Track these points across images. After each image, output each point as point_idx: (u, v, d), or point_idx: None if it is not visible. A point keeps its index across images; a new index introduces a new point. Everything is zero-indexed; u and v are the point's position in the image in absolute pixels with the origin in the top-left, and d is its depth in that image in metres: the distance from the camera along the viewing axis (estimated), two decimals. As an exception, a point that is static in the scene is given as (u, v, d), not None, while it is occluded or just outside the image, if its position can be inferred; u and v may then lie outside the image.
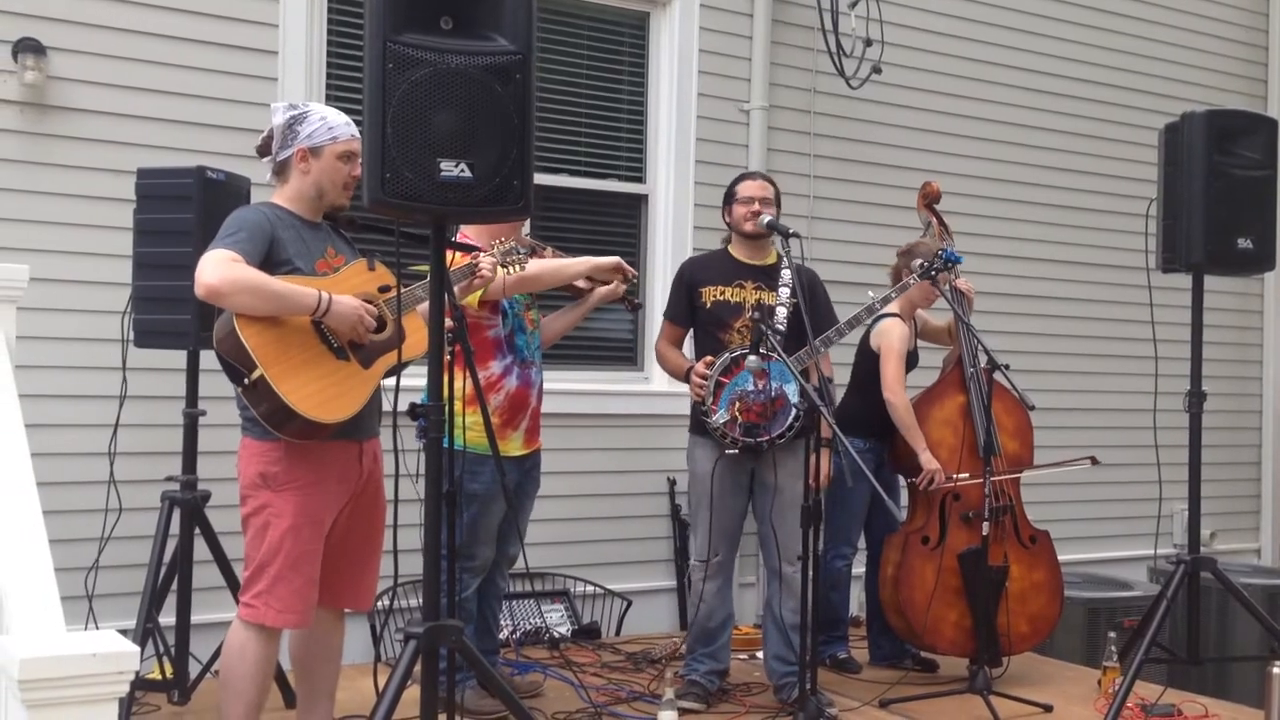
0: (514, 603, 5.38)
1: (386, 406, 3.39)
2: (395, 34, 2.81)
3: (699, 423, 4.49)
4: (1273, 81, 7.89)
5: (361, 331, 3.29)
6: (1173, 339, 4.88)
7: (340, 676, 3.69)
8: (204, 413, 4.19)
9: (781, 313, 4.53)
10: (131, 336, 4.08)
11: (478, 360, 4.09)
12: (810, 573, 4.01)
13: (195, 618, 4.19)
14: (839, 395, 5.06)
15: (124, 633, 2.28)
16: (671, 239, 5.97)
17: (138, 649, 2.10)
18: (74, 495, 4.33)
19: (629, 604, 5.75)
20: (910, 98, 6.59)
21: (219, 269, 3.11)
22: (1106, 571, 6.45)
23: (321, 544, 3.36)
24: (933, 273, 4.68)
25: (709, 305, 4.58)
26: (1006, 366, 4.51)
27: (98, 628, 4.03)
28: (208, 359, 3.73)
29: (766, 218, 4.53)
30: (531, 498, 4.50)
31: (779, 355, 4.16)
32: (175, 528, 4.12)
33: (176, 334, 4.00)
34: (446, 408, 3.06)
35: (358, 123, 3.20)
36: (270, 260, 3.22)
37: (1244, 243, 4.45)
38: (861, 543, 5.27)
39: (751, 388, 4.34)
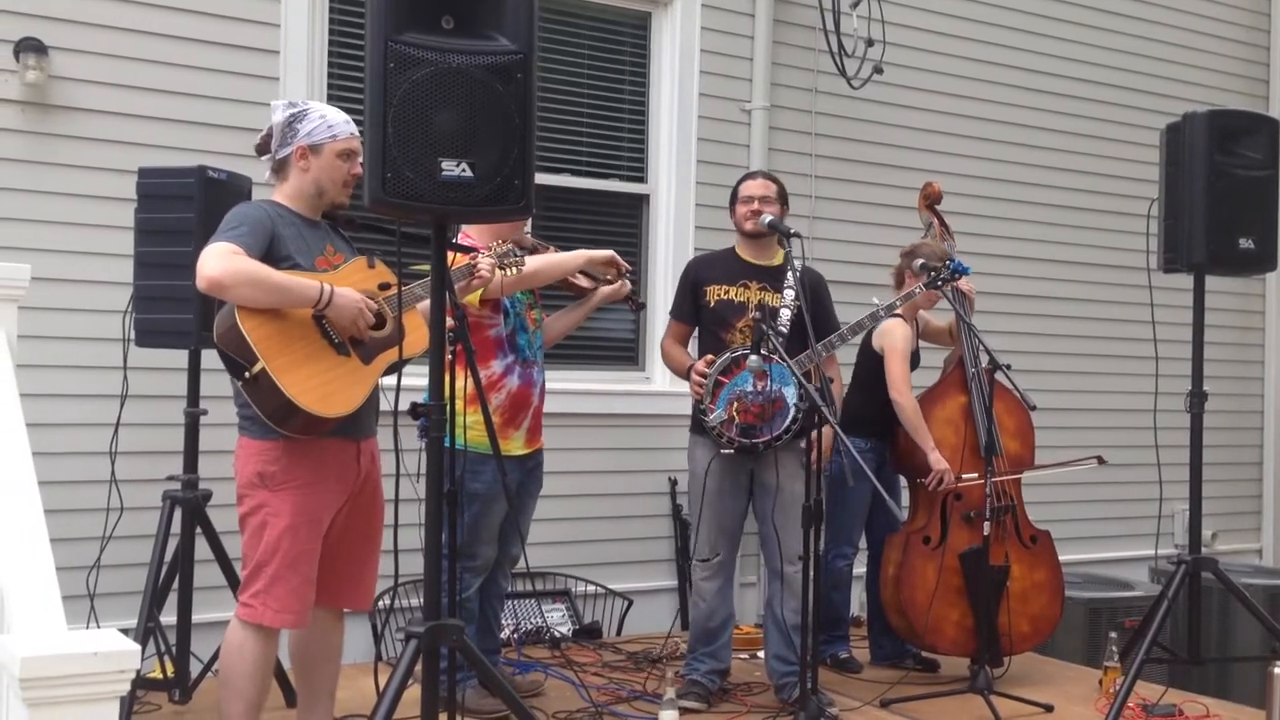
0: (515, 602, 5.38)
1: (384, 406, 3.39)
2: (396, 33, 2.82)
3: (699, 422, 4.50)
4: (1274, 81, 7.88)
5: (361, 325, 3.29)
6: (1174, 339, 4.88)
7: (341, 676, 3.69)
8: (205, 412, 4.19)
9: (785, 314, 4.53)
10: (133, 336, 4.08)
11: (479, 359, 4.09)
12: (811, 572, 4.01)
13: (196, 617, 4.20)
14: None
15: (125, 632, 2.28)
16: (673, 239, 5.97)
17: (139, 648, 2.10)
18: (75, 494, 4.33)
19: (630, 604, 5.75)
20: (912, 98, 6.59)
21: (221, 261, 3.11)
22: (1108, 571, 6.45)
23: (319, 543, 3.36)
24: (939, 282, 4.68)
25: (713, 304, 4.58)
26: (1008, 366, 4.51)
27: (99, 627, 4.03)
28: (209, 358, 3.73)
29: (767, 217, 4.52)
30: (534, 497, 4.50)
31: (780, 357, 4.16)
32: (176, 527, 4.13)
33: (178, 333, 4.00)
34: (448, 407, 3.06)
35: (359, 122, 3.20)
36: (270, 256, 3.22)
37: (1245, 243, 4.45)
38: (862, 542, 5.27)
39: (750, 388, 4.34)
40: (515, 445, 4.30)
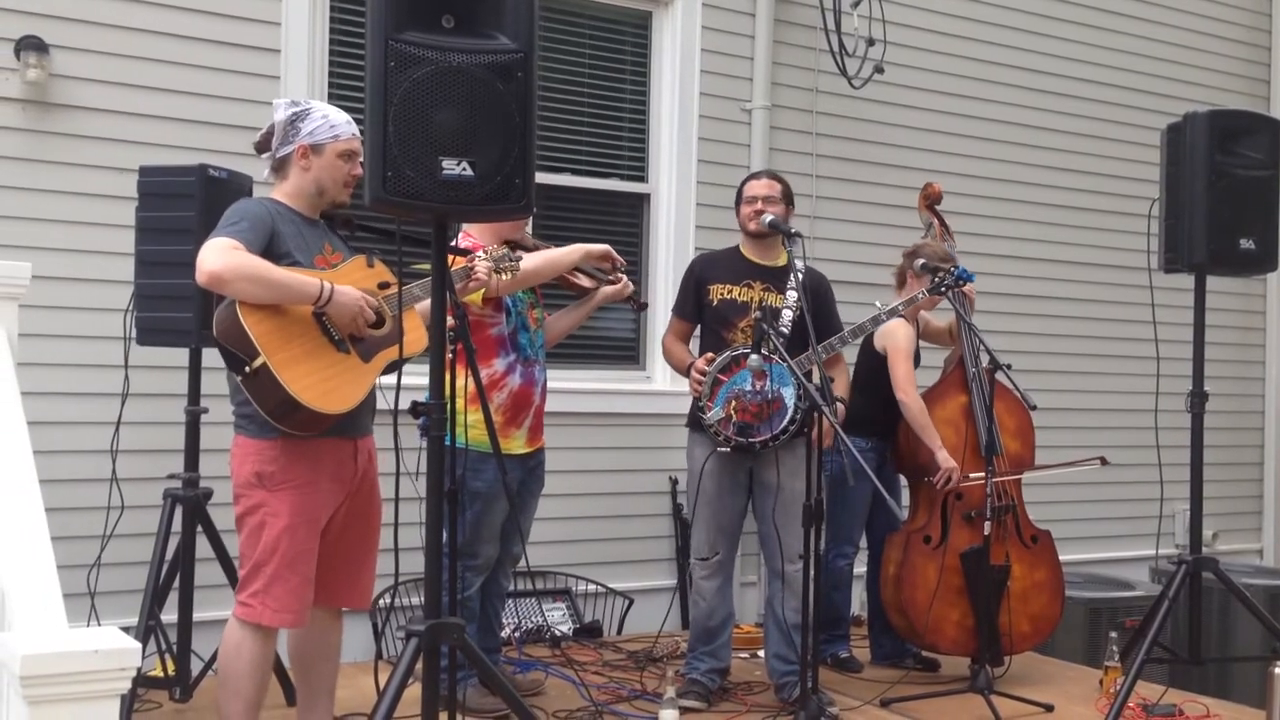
0: (516, 601, 5.38)
1: (381, 405, 3.39)
2: (397, 32, 2.81)
3: (697, 419, 4.50)
4: (1275, 82, 7.88)
5: (361, 323, 3.29)
6: (1175, 339, 4.88)
7: (341, 674, 3.69)
8: (206, 410, 4.20)
9: (787, 315, 4.54)
10: (134, 334, 4.08)
11: (481, 358, 4.09)
12: (812, 572, 4.01)
13: (197, 615, 4.20)
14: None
15: (126, 630, 2.28)
16: (673, 238, 5.97)
17: (139, 646, 2.10)
18: (76, 492, 4.33)
19: (630, 603, 5.75)
20: (912, 97, 6.59)
21: (221, 256, 3.11)
22: (1108, 571, 6.45)
23: (317, 543, 3.36)
24: (943, 289, 4.68)
25: (715, 303, 4.59)
26: (1009, 366, 4.51)
27: (100, 625, 4.03)
28: (210, 357, 3.74)
29: (769, 216, 4.53)
30: (536, 496, 4.50)
31: (781, 357, 4.16)
32: (177, 525, 4.13)
33: (178, 331, 4.00)
34: (448, 406, 3.06)
35: (359, 121, 3.20)
36: (270, 253, 3.22)
37: (1246, 243, 4.45)
38: (863, 542, 5.27)
39: (749, 388, 4.34)
40: (517, 444, 4.30)
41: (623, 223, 6.06)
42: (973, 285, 5.09)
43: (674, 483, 5.88)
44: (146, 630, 4.03)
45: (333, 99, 5.08)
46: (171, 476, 4.18)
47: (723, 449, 4.38)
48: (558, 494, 5.03)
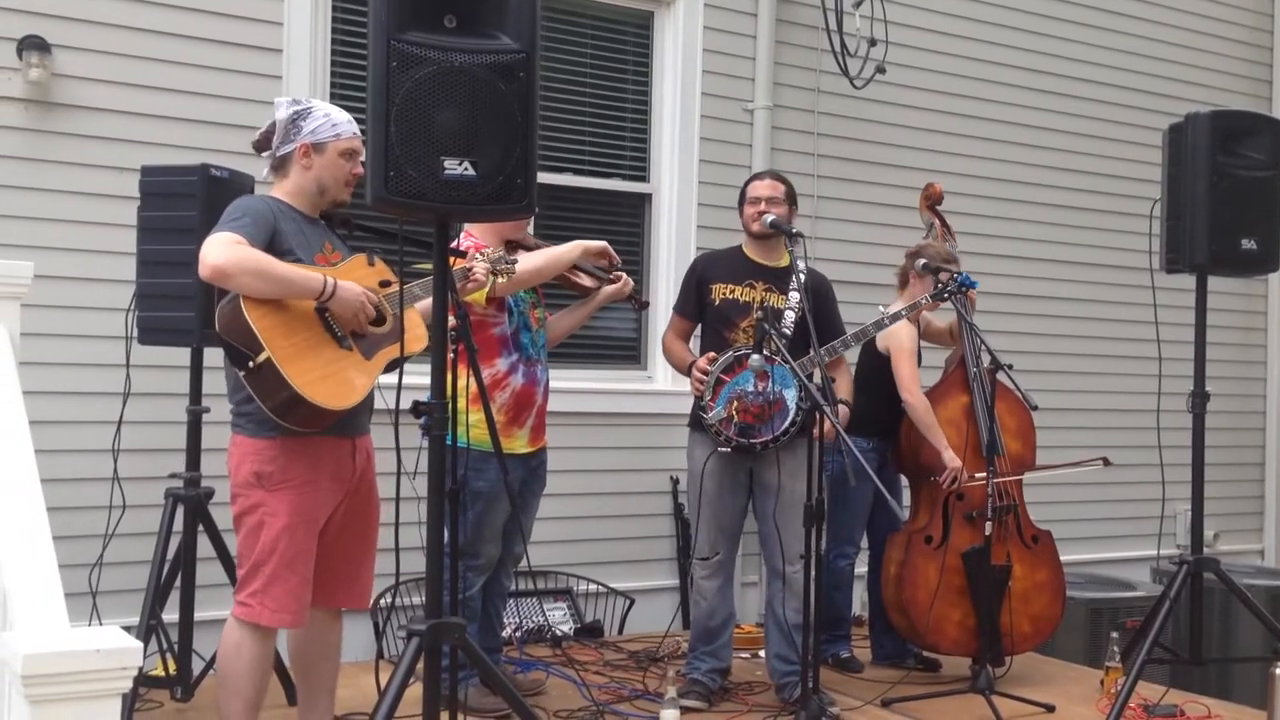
0: (517, 601, 5.38)
1: (379, 404, 3.39)
2: (399, 32, 2.82)
3: (698, 418, 4.50)
4: (1276, 82, 7.88)
5: (363, 319, 3.30)
6: (1176, 339, 4.87)
7: (342, 674, 3.69)
8: (208, 409, 4.20)
9: (789, 316, 4.53)
10: (135, 333, 4.09)
11: (483, 358, 4.09)
12: (813, 572, 4.01)
13: (198, 614, 4.20)
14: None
15: (128, 629, 2.28)
16: (675, 238, 5.98)
17: (141, 645, 2.10)
18: (78, 492, 4.33)
19: (631, 602, 5.75)
20: (914, 98, 6.59)
21: (224, 250, 3.11)
22: (1109, 572, 6.45)
23: (315, 543, 3.36)
24: (946, 295, 4.67)
25: (717, 302, 4.59)
26: (1010, 366, 4.51)
27: (101, 624, 4.04)
28: (211, 356, 3.74)
29: (770, 216, 4.53)
30: (537, 496, 4.50)
31: (784, 358, 4.16)
32: (179, 524, 4.13)
33: (180, 331, 4.00)
34: (450, 405, 3.06)
35: (360, 121, 3.20)
36: (272, 250, 3.22)
37: (1248, 243, 4.44)
38: (864, 542, 5.27)
39: (751, 388, 4.34)
40: (519, 444, 4.30)
41: (624, 222, 6.06)
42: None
43: (675, 483, 5.88)
44: (148, 629, 4.03)
45: (334, 99, 5.08)
46: (173, 476, 4.18)
47: (723, 449, 4.38)
48: (559, 494, 5.04)
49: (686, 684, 4.52)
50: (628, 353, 6.09)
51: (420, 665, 3.01)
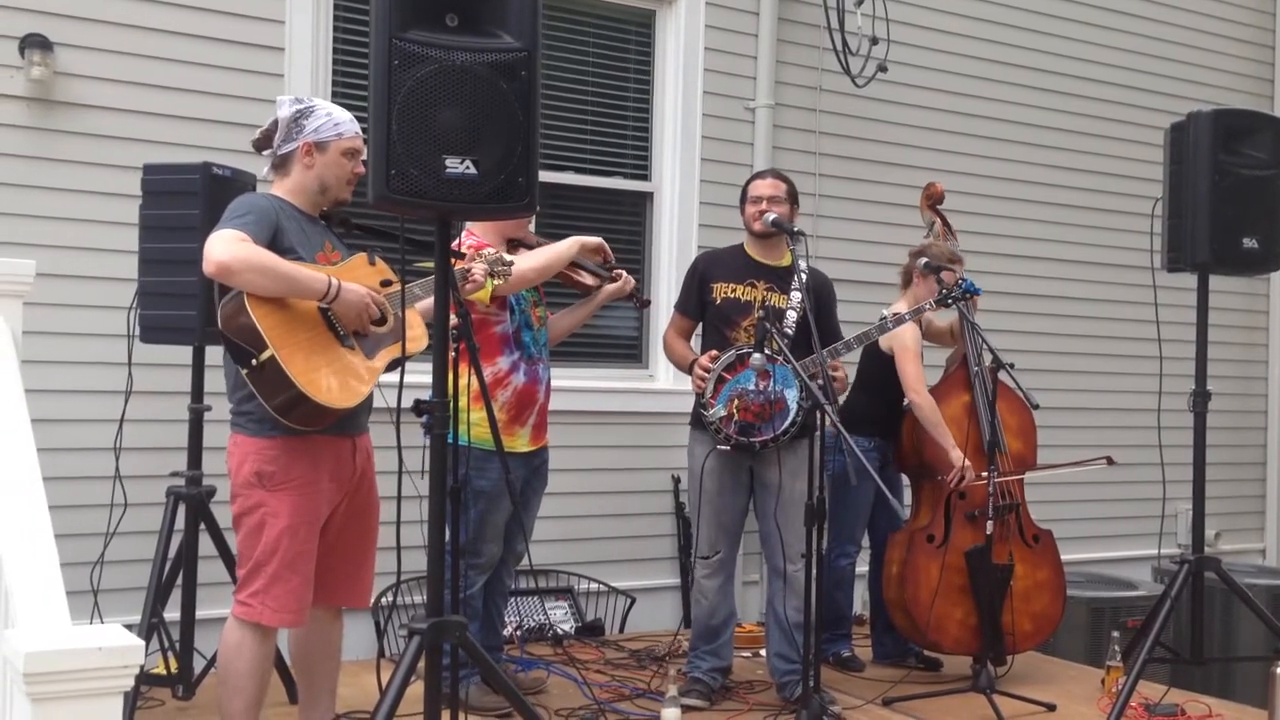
0: (518, 599, 5.39)
1: (377, 402, 3.40)
2: (401, 31, 2.82)
3: (699, 417, 4.50)
4: (1279, 81, 7.87)
5: (366, 320, 3.30)
6: (1178, 338, 4.87)
7: (344, 672, 3.69)
8: (209, 408, 4.20)
9: (791, 316, 4.53)
10: (137, 332, 4.09)
11: (485, 356, 4.10)
12: (814, 571, 4.01)
13: (200, 613, 4.20)
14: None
15: (129, 627, 2.29)
16: (676, 237, 5.97)
17: (142, 643, 2.10)
18: (80, 490, 4.33)
19: (632, 601, 5.75)
20: (916, 96, 6.59)
21: (229, 247, 3.11)
22: (1111, 571, 6.45)
23: (316, 542, 3.36)
24: (949, 301, 4.67)
25: (719, 301, 4.59)
26: (1011, 365, 4.51)
27: (103, 622, 4.04)
28: (213, 354, 3.74)
29: (771, 215, 4.52)
30: (539, 494, 4.50)
31: (786, 358, 4.15)
32: (180, 523, 4.14)
33: (182, 329, 4.01)
34: (451, 404, 3.06)
35: (362, 120, 3.20)
36: (274, 248, 3.21)
37: (1249, 242, 4.44)
38: (865, 541, 5.27)
39: (752, 387, 4.34)
40: (520, 442, 4.31)
41: (626, 221, 6.06)
42: (975, 288, 5.10)
43: (676, 481, 5.88)
44: (149, 628, 4.03)
45: (336, 97, 5.08)
46: (174, 474, 4.19)
47: (723, 447, 4.38)
48: (560, 492, 5.04)
49: (688, 682, 4.52)
50: (629, 351, 6.09)
51: (421, 664, 3.01)
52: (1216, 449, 5.05)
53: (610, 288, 4.53)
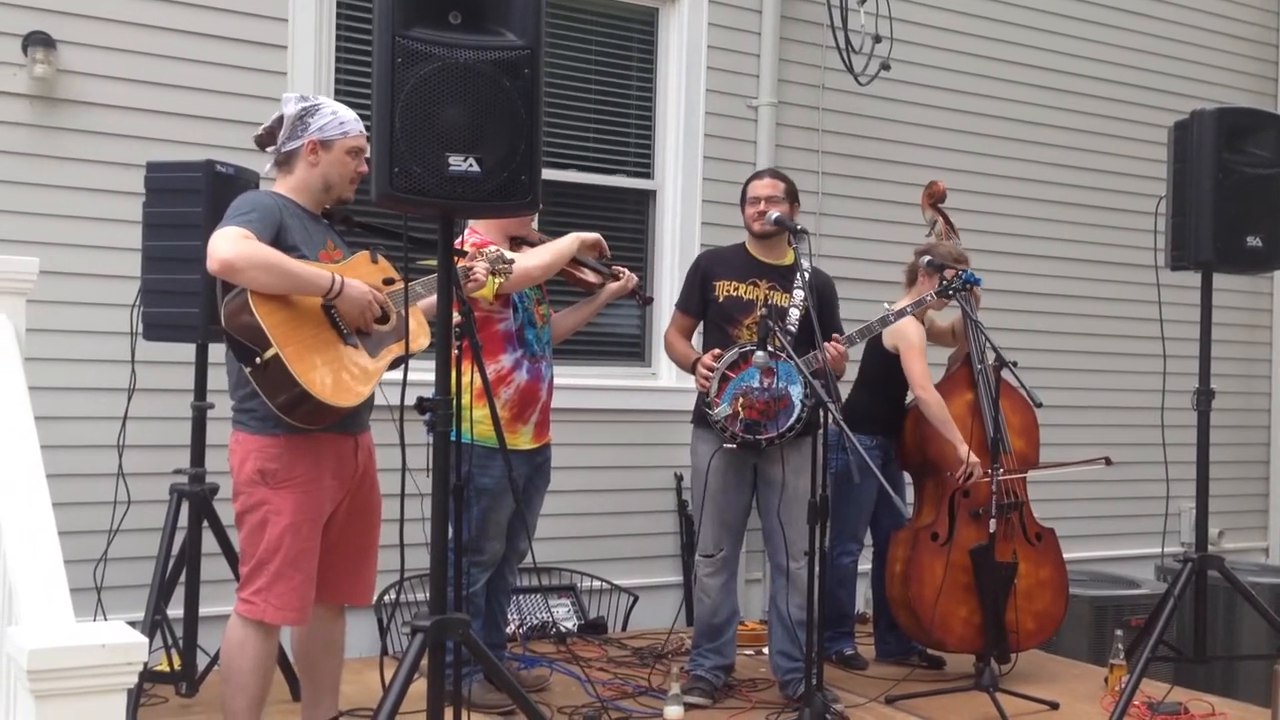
0: (521, 597, 5.39)
1: (380, 400, 3.40)
2: (404, 29, 2.82)
3: (702, 415, 4.50)
4: (1283, 79, 7.88)
5: (369, 318, 3.30)
6: (1181, 337, 4.87)
7: (347, 669, 3.70)
8: (212, 406, 4.20)
9: (794, 314, 4.53)
10: (140, 329, 4.09)
11: (488, 353, 4.10)
12: (817, 569, 4.01)
13: (203, 610, 4.21)
14: (844, 391, 5.05)
15: (132, 625, 2.28)
16: (679, 235, 5.97)
17: (146, 640, 2.10)
18: (83, 487, 4.34)
19: (635, 599, 5.76)
20: (919, 95, 6.58)
21: (233, 244, 3.10)
22: (1114, 569, 6.45)
23: (319, 540, 3.36)
24: (950, 292, 4.67)
25: (721, 299, 4.59)
26: (1014, 364, 4.50)
27: (106, 620, 4.04)
28: (216, 352, 3.74)
29: (775, 214, 4.52)
30: (542, 492, 4.50)
31: (789, 355, 4.16)
32: (183, 520, 4.14)
33: (185, 327, 4.01)
34: (454, 401, 3.06)
35: (365, 118, 3.20)
36: (277, 246, 3.21)
37: (1253, 241, 4.44)
38: (868, 539, 5.27)
39: (756, 385, 4.34)
40: (523, 440, 4.31)
41: (629, 219, 6.06)
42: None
43: (679, 479, 5.88)
44: (153, 625, 4.03)
45: (339, 95, 5.08)
46: (178, 472, 4.19)
47: (729, 446, 4.38)
48: (563, 490, 5.04)
49: (690, 680, 4.53)
50: (632, 350, 6.09)
51: (424, 661, 3.01)
52: (1220, 447, 5.04)
53: (613, 286, 4.53)
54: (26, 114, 4.65)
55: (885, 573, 5.03)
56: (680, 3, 6.01)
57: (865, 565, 5.34)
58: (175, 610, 4.17)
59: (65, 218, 4.69)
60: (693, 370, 4.52)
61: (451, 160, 2.85)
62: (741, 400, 4.35)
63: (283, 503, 3.27)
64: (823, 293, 4.62)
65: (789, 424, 4.36)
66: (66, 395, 4.58)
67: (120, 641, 2.05)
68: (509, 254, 4.01)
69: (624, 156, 6.04)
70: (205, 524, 4.15)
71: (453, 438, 3.08)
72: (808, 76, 6.29)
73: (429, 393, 3.05)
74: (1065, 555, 5.04)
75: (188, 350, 4.20)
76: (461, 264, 3.74)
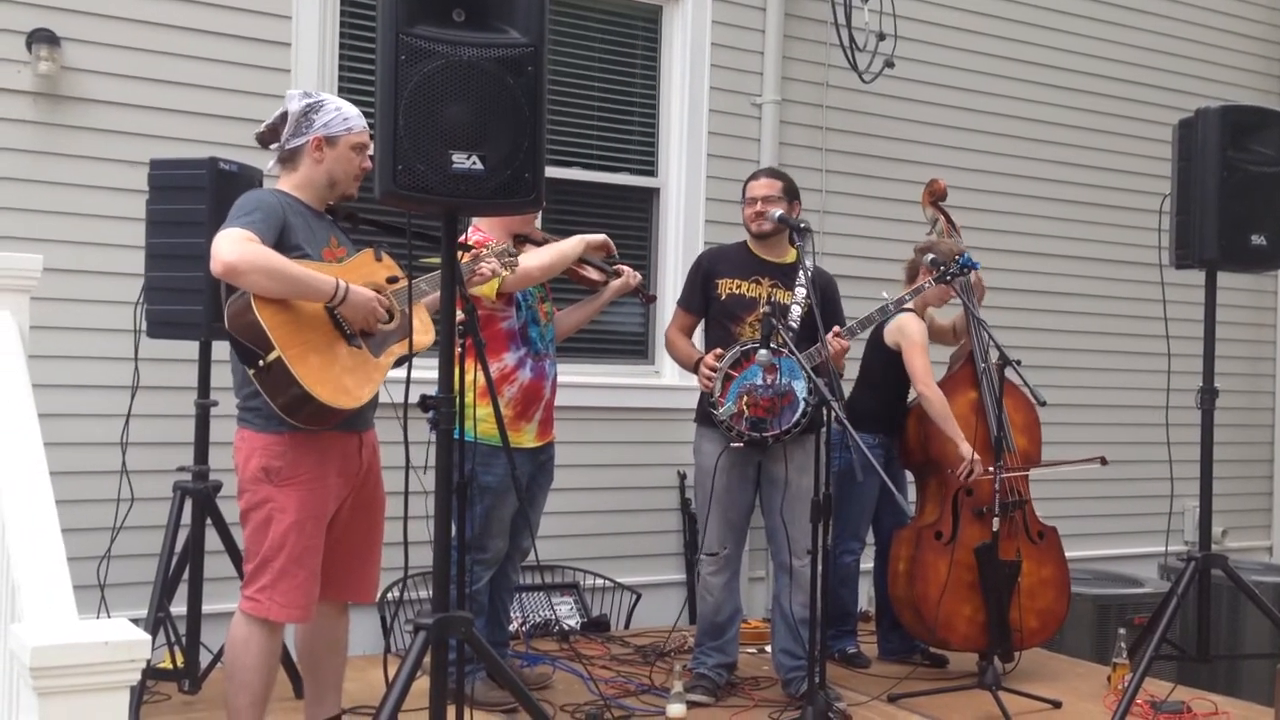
0: (524, 595, 5.39)
1: (384, 398, 3.40)
2: (408, 26, 2.82)
3: (706, 414, 4.50)
4: (1288, 77, 7.87)
5: (373, 322, 3.30)
6: (1185, 335, 4.86)
7: (350, 667, 3.70)
8: (216, 403, 4.21)
9: (795, 311, 4.53)
10: (144, 327, 4.09)
11: (491, 352, 4.10)
12: (820, 567, 4.01)
13: (206, 607, 4.21)
14: (846, 390, 5.05)
15: (136, 622, 2.29)
16: (683, 233, 5.97)
17: (149, 638, 2.11)
18: (86, 485, 4.35)
19: (638, 597, 5.76)
20: (923, 92, 6.58)
21: (237, 247, 3.10)
22: (1117, 568, 6.44)
23: (323, 538, 3.36)
24: (948, 277, 4.67)
25: (723, 297, 4.58)
26: (1018, 362, 4.50)
27: (109, 617, 4.04)
28: (220, 350, 3.74)
29: (777, 212, 4.52)
30: (545, 490, 4.50)
31: (790, 351, 4.16)
32: (187, 517, 4.14)
33: (188, 324, 4.01)
34: (458, 399, 3.06)
35: (368, 115, 3.20)
36: (281, 245, 3.21)
37: (1257, 239, 4.43)
38: (870, 538, 5.27)
39: (760, 382, 4.34)
40: (527, 438, 4.31)
41: (632, 217, 6.06)
42: (981, 277, 5.09)
43: (682, 478, 5.88)
44: (156, 622, 4.04)
45: (343, 93, 5.09)
46: (181, 469, 4.19)
47: (736, 444, 4.38)
48: (566, 488, 5.04)
49: (693, 678, 4.53)
50: (635, 348, 6.09)
51: (427, 659, 3.01)
52: (1224, 446, 5.03)
53: (616, 283, 4.53)
54: (31, 111, 4.66)
55: (888, 571, 5.03)
56: (684, 0, 6.01)
57: (867, 564, 5.34)
58: (178, 607, 4.17)
59: (69, 215, 4.69)
60: (694, 370, 4.52)
61: (455, 158, 2.85)
62: (746, 399, 4.35)
63: (287, 500, 3.27)
64: (825, 290, 4.62)
65: (794, 419, 4.35)
66: (70, 392, 4.58)
67: (123, 639, 2.05)
68: (513, 250, 4.01)
69: (627, 154, 6.04)
70: (208, 521, 4.15)
71: (456, 436, 3.08)
72: (812, 74, 6.29)
73: (433, 391, 3.04)
74: (1069, 554, 5.04)
75: (191, 348, 4.20)
76: (466, 259, 3.74)
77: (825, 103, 6.31)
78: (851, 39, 6.20)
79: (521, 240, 4.35)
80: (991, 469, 4.68)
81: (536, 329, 4.34)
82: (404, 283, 3.37)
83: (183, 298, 3.96)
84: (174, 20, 4.87)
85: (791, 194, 4.63)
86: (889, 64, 6.22)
